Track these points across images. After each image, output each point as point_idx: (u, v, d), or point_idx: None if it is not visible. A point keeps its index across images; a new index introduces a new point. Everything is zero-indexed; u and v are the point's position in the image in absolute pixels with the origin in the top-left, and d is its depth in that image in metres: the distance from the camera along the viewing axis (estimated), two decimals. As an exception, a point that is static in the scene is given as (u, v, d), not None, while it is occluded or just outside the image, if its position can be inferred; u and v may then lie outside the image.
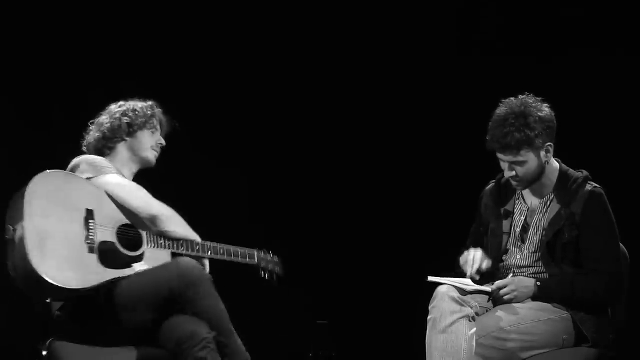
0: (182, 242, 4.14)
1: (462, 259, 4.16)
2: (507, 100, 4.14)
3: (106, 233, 3.99)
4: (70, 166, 4.15)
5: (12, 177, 4.16)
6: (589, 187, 4.12)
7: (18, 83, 5.48)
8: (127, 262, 4.00)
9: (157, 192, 4.27)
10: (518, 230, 4.21)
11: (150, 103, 4.34)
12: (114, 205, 4.06)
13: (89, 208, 3.97)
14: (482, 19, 5.87)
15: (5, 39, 5.47)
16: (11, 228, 3.86)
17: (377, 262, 5.89)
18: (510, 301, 4.06)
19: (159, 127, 4.33)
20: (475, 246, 4.24)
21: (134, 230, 4.07)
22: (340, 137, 5.96)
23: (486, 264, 4.12)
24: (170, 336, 3.90)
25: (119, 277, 3.96)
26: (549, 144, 4.10)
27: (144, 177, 4.36)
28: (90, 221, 3.94)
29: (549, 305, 4.05)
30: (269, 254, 4.45)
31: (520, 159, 4.07)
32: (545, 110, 4.11)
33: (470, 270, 4.08)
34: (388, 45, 5.95)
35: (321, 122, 5.93)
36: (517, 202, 4.25)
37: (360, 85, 5.95)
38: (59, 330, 3.98)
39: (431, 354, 3.93)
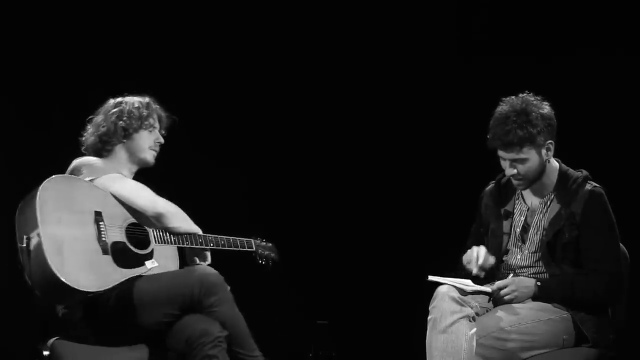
0: (186, 236, 4.18)
1: (465, 258, 4.17)
2: (508, 98, 4.15)
3: (116, 233, 4.03)
4: (70, 168, 4.17)
5: (13, 177, 4.17)
6: (588, 187, 4.12)
7: (18, 83, 5.48)
8: (139, 260, 4.05)
9: (158, 191, 4.28)
10: (518, 230, 4.21)
11: (147, 100, 4.33)
12: (119, 205, 4.09)
13: (97, 210, 4.00)
14: (482, 18, 5.86)
15: (5, 39, 5.47)
16: (24, 236, 3.87)
17: (377, 262, 5.89)
18: (510, 301, 4.06)
19: (157, 123, 4.33)
20: (477, 245, 4.25)
21: (140, 229, 4.11)
22: (341, 137, 5.96)
23: (490, 261, 4.13)
24: (181, 334, 3.94)
25: (134, 276, 4.00)
26: (549, 141, 4.10)
27: (144, 176, 4.37)
28: (100, 223, 3.99)
29: (549, 305, 4.05)
30: (264, 241, 4.52)
31: (522, 156, 4.07)
32: (546, 108, 4.12)
33: (475, 267, 4.08)
34: (388, 45, 5.95)
35: (322, 122, 5.93)
36: (517, 202, 4.25)
37: (360, 85, 5.95)
38: (64, 329, 4.00)
39: (431, 354, 3.93)
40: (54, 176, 4.00)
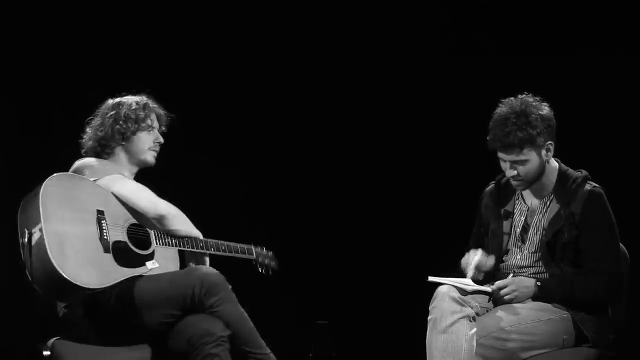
0: (187, 239, 4.19)
1: (462, 262, 4.17)
2: (507, 99, 4.15)
3: (117, 232, 4.04)
4: (72, 169, 4.18)
5: (13, 178, 4.17)
6: (588, 187, 4.12)
7: (18, 83, 5.48)
8: (140, 260, 4.05)
9: (158, 192, 4.29)
10: (518, 230, 4.21)
11: (144, 101, 4.31)
12: (121, 205, 4.10)
13: (99, 208, 4.01)
14: (481, 18, 5.86)
15: (5, 39, 5.47)
16: (26, 232, 3.88)
17: (377, 262, 5.89)
18: (510, 301, 4.06)
19: (155, 123, 4.32)
20: (477, 247, 4.25)
21: (142, 230, 4.12)
22: (341, 137, 5.95)
23: (489, 263, 4.13)
24: (183, 334, 3.94)
25: (135, 275, 4.00)
26: (549, 142, 4.10)
27: (144, 176, 4.37)
28: (102, 221, 4.00)
29: (549, 305, 4.05)
30: (264, 249, 4.50)
31: (522, 157, 4.07)
32: (545, 109, 4.12)
33: (471, 271, 4.09)
34: (387, 46, 5.95)
35: (322, 122, 5.93)
36: (516, 202, 4.25)
37: (359, 85, 5.95)
38: (65, 329, 4.00)
39: (431, 354, 3.93)
40: (57, 174, 4.02)
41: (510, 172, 4.11)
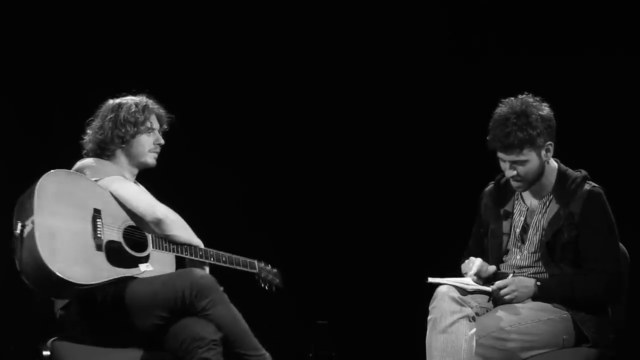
0: (185, 246, 4.17)
1: (462, 268, 4.18)
2: (507, 99, 4.14)
3: (113, 233, 4.02)
4: (73, 169, 4.17)
5: (13, 178, 4.17)
6: (587, 187, 4.12)
7: (18, 84, 5.48)
8: (134, 262, 4.04)
9: (158, 193, 4.29)
10: (518, 230, 4.20)
11: (144, 102, 4.28)
12: (120, 207, 4.09)
13: (97, 207, 4.01)
14: (481, 19, 5.86)
15: (5, 40, 5.47)
16: (19, 223, 3.88)
17: (377, 262, 5.89)
18: (510, 301, 4.06)
19: (155, 124, 4.30)
20: (477, 247, 4.26)
21: (139, 232, 4.10)
22: (342, 138, 5.96)
23: (489, 270, 4.13)
24: (176, 337, 3.92)
25: (126, 276, 3.99)
26: (549, 142, 4.10)
27: (145, 177, 4.37)
28: (98, 220, 3.98)
29: (549, 305, 4.05)
30: (268, 265, 4.47)
31: (522, 158, 4.07)
32: (545, 109, 4.11)
33: (471, 277, 4.09)
34: (387, 46, 5.95)
35: (322, 123, 5.93)
36: (516, 202, 4.25)
37: (359, 85, 5.95)
38: (62, 329, 4.00)
39: (431, 354, 3.93)
40: (57, 169, 4.01)
41: (509, 173, 4.11)
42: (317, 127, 5.93)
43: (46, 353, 3.94)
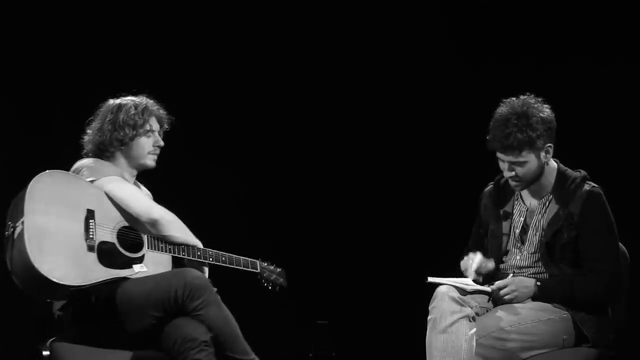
0: (183, 246, 4.15)
1: (462, 265, 4.18)
2: (508, 100, 4.14)
3: (106, 233, 4.00)
4: (71, 170, 4.16)
5: (13, 179, 4.17)
6: (586, 187, 4.12)
7: (18, 84, 5.48)
8: (127, 263, 4.02)
9: (158, 193, 4.28)
10: (517, 231, 4.20)
11: (143, 104, 4.26)
12: (114, 207, 4.07)
13: (90, 208, 3.99)
14: (481, 19, 5.86)
15: (5, 40, 5.47)
16: (10, 224, 3.87)
17: (377, 262, 5.89)
18: (510, 301, 4.06)
19: (155, 125, 4.29)
20: (476, 247, 4.25)
21: (134, 233, 4.08)
22: (342, 138, 5.95)
23: (489, 266, 4.13)
24: (169, 337, 3.91)
25: (118, 277, 3.97)
26: (549, 144, 4.10)
27: (145, 177, 4.37)
28: (91, 221, 3.96)
29: (549, 305, 4.05)
30: (272, 265, 4.44)
31: (521, 159, 4.06)
32: (546, 111, 4.11)
33: (472, 275, 4.09)
34: (387, 46, 5.95)
35: (322, 123, 5.93)
36: (515, 203, 4.24)
37: (359, 86, 5.95)
38: (60, 330, 3.99)
39: (431, 354, 3.93)
40: (50, 170, 4.00)
41: (508, 173, 4.11)
42: (317, 128, 5.93)
43: (45, 353, 3.94)
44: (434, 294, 4.00)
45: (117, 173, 4.17)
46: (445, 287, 3.99)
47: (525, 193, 4.21)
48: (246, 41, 5.89)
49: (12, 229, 3.87)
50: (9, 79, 5.46)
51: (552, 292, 4.06)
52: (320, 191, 5.92)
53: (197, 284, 3.95)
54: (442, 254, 4.47)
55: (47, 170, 3.99)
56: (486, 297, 4.10)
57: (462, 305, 3.94)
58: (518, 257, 4.18)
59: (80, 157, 4.23)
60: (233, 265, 4.25)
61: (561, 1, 5.73)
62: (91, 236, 3.94)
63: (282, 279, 4.45)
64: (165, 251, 4.11)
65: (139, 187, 4.34)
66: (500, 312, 4.02)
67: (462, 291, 4.00)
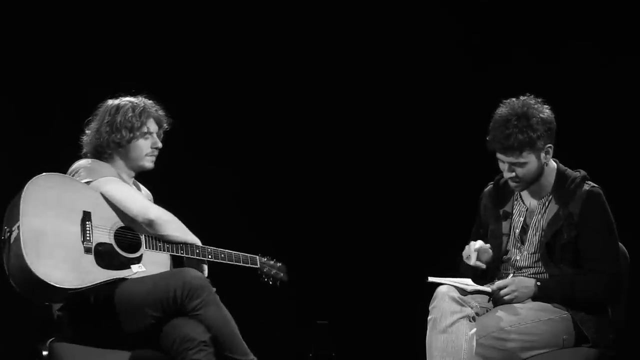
0: (181, 245, 4.14)
1: (464, 253, 4.17)
2: (508, 100, 4.13)
3: (103, 235, 4.00)
4: (70, 170, 4.16)
5: (13, 179, 4.17)
6: (586, 187, 4.12)
7: (18, 83, 5.48)
8: (125, 264, 4.01)
9: (157, 193, 4.28)
10: (517, 231, 4.20)
11: (141, 106, 4.25)
12: (111, 208, 4.06)
13: (86, 210, 3.98)
14: (481, 19, 5.86)
15: (5, 39, 5.47)
16: (6, 229, 3.87)
17: (377, 262, 5.89)
18: (510, 301, 4.06)
19: (153, 127, 4.27)
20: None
21: (132, 233, 4.07)
22: (342, 138, 5.95)
23: (489, 252, 4.12)
24: (168, 337, 3.91)
25: (116, 278, 3.97)
26: (549, 145, 4.10)
27: (144, 178, 4.37)
28: (87, 222, 3.96)
29: (549, 305, 4.05)
30: (273, 260, 4.42)
31: (521, 160, 4.06)
32: (546, 111, 4.10)
33: (473, 259, 4.07)
34: (387, 46, 5.94)
35: (322, 123, 5.92)
36: (515, 203, 4.24)
37: (359, 86, 5.94)
38: (59, 330, 3.99)
39: (431, 354, 3.93)
40: (45, 173, 3.99)
41: (508, 174, 4.10)
42: (317, 128, 5.93)
43: (45, 353, 3.94)
44: (434, 294, 4.00)
45: (114, 174, 4.16)
46: (446, 287, 3.99)
47: (525, 193, 4.21)
48: (246, 41, 5.89)
49: (8, 233, 3.87)
50: (9, 79, 5.46)
51: (552, 292, 4.06)
52: (320, 191, 5.92)
53: (196, 284, 3.94)
54: (442, 254, 4.47)
55: (43, 173, 3.99)
56: (486, 297, 4.10)
57: (462, 305, 3.94)
58: (518, 257, 4.18)
59: (79, 158, 4.23)
60: (232, 261, 4.24)
61: (561, 1, 5.73)
62: (88, 238, 3.94)
63: (282, 274, 4.43)
64: (164, 250, 4.10)
65: (138, 187, 4.34)
66: (501, 312, 4.02)
67: (463, 291, 4.00)
